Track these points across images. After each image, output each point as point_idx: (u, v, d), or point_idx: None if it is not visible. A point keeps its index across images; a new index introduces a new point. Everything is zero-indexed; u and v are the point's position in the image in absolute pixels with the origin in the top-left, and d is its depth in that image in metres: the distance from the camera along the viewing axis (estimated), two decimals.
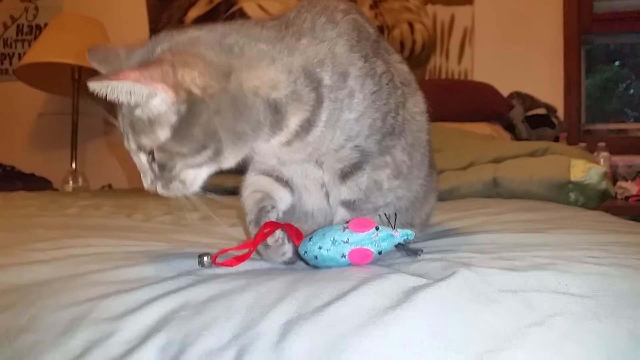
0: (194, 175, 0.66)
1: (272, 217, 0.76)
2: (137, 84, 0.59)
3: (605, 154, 2.53)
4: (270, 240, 0.71)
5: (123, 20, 3.32)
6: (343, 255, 0.64)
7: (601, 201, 1.71)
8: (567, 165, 1.66)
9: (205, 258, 0.67)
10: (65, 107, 3.05)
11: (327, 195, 0.81)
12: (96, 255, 0.72)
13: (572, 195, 1.65)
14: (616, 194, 2.38)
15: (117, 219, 1.17)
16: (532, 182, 1.66)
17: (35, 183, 2.92)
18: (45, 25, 3.27)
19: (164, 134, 0.62)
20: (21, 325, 0.53)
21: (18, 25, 3.46)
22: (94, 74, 2.50)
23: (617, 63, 3.18)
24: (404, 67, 0.84)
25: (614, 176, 2.56)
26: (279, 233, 0.71)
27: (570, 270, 0.56)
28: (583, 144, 2.61)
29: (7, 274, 0.64)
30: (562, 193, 1.64)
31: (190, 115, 0.61)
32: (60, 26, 2.95)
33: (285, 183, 0.81)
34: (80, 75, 2.91)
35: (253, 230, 0.75)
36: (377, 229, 0.65)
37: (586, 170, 1.64)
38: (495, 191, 1.71)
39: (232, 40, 0.66)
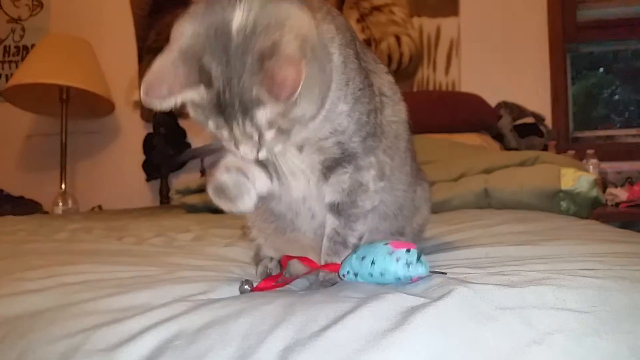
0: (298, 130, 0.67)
1: (234, 171, 0.74)
2: (302, 74, 0.56)
3: (594, 160, 2.55)
4: (229, 180, 0.72)
5: (110, 39, 3.32)
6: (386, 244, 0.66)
7: (592, 209, 1.72)
8: (557, 174, 1.67)
9: (246, 287, 0.69)
10: (54, 128, 3.04)
11: (309, 186, 0.79)
12: (88, 283, 0.71)
13: (564, 204, 1.65)
14: (606, 200, 2.40)
15: (108, 243, 1.16)
16: (523, 192, 1.67)
17: (24, 206, 2.89)
18: (32, 46, 3.26)
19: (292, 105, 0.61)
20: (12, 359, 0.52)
21: (5, 47, 3.45)
22: (82, 94, 2.48)
23: (601, 70, 3.22)
24: (389, 78, 0.86)
25: (603, 183, 2.57)
26: (269, 263, 0.75)
27: (567, 284, 0.56)
28: (572, 152, 2.63)
29: None
30: (553, 202, 1.65)
31: (309, 78, 0.59)
32: (48, 47, 2.95)
33: (265, 169, 0.78)
34: (68, 96, 2.90)
35: (210, 186, 0.73)
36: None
37: (576, 178, 1.65)
38: (486, 202, 1.71)
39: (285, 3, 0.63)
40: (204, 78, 0.60)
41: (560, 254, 0.77)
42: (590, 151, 2.59)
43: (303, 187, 0.78)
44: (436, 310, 0.51)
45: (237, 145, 0.64)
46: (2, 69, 3.43)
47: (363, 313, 0.52)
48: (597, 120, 3.14)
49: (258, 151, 0.65)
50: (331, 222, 0.77)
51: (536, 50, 2.87)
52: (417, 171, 0.92)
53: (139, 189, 3.20)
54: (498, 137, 2.66)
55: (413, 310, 0.51)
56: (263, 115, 0.61)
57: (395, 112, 0.83)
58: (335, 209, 0.76)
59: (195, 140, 2.95)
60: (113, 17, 3.38)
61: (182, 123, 3.01)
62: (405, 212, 0.87)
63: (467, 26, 2.97)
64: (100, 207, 3.01)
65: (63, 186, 2.95)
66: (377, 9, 3.07)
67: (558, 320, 0.49)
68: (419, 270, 0.64)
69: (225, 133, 0.64)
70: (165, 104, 0.60)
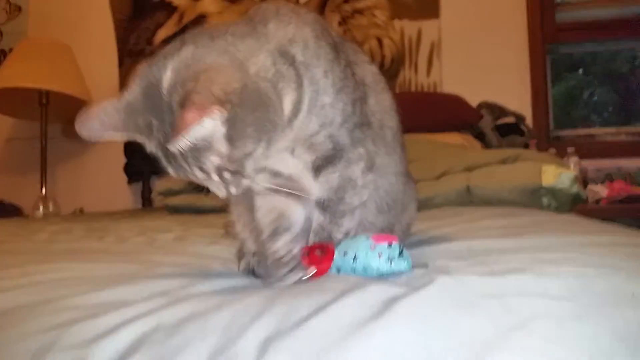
0: (255, 167, 0.69)
1: (287, 237, 0.76)
2: (200, 120, 0.59)
3: (574, 158, 2.58)
4: (242, 265, 0.72)
5: (90, 43, 3.29)
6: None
7: (573, 205, 1.73)
8: (538, 171, 1.68)
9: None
10: (34, 132, 2.99)
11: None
12: (63, 280, 0.69)
13: (545, 200, 1.66)
14: (587, 197, 2.42)
15: (88, 243, 1.14)
16: (505, 189, 1.67)
17: (4, 210, 2.83)
18: (10, 50, 3.21)
19: (225, 147, 0.63)
20: None
21: None
22: (62, 98, 2.46)
23: (580, 71, 3.26)
24: (372, 68, 0.86)
25: (584, 180, 2.60)
26: (251, 258, 0.73)
27: (548, 272, 0.56)
28: (553, 150, 2.65)
29: None
30: (535, 198, 1.65)
31: (238, 122, 0.63)
32: (26, 51, 2.90)
33: (296, 196, 0.79)
34: (48, 100, 2.86)
35: (266, 248, 0.75)
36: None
37: (557, 175, 1.66)
38: (468, 199, 1.72)
39: (222, 43, 0.67)
40: (145, 130, 0.65)
41: (541, 245, 0.78)
42: (570, 149, 2.61)
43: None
44: (417, 298, 0.50)
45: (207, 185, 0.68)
46: None
47: (345, 302, 0.51)
48: (576, 120, 3.18)
49: (227, 190, 0.68)
50: (317, 217, 0.77)
51: (516, 52, 2.90)
52: (408, 171, 0.92)
53: (120, 192, 3.16)
54: (479, 136, 2.67)
55: (395, 299, 0.50)
56: (208, 162, 0.64)
57: (379, 101, 0.83)
58: (322, 205, 0.76)
59: None
60: (93, 20, 3.34)
61: None
62: (397, 206, 0.87)
63: (448, 28, 2.99)
64: (81, 210, 2.97)
65: (44, 190, 2.91)
66: (359, 11, 3.08)
67: (539, 306, 0.49)
68: (401, 265, 0.63)
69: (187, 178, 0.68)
70: (92, 135, 0.66)
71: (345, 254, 0.68)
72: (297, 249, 0.73)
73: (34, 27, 3.37)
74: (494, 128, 2.67)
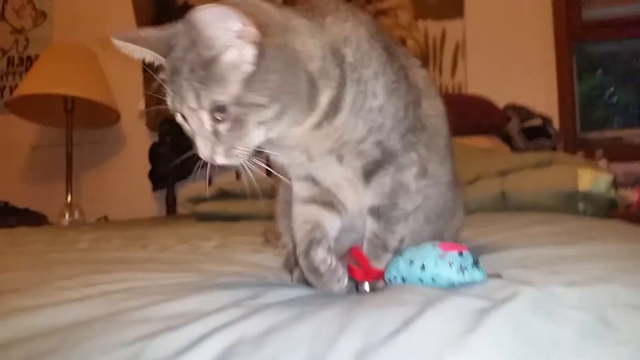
0: (256, 134, 0.65)
1: (323, 247, 0.74)
2: (239, 16, 0.59)
3: (603, 161, 2.54)
4: (322, 267, 0.69)
5: (114, 49, 3.30)
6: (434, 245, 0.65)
7: (609, 210, 1.71)
8: (574, 175, 1.66)
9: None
10: (59, 139, 3.01)
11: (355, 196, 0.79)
12: (130, 290, 0.69)
13: (581, 205, 1.64)
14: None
15: (133, 252, 1.14)
16: (541, 194, 1.66)
17: (29, 218, 2.85)
18: (37, 56, 3.24)
19: (238, 86, 0.61)
20: None
21: (9, 58, 3.43)
22: (87, 104, 2.47)
23: (600, 71, 3.20)
24: (423, 72, 0.85)
25: (614, 184, 2.56)
26: (330, 259, 0.70)
27: (634, 282, 0.55)
28: (580, 152, 2.62)
29: (43, 315, 0.61)
30: (571, 203, 1.64)
31: (265, 64, 0.62)
32: (52, 57, 2.93)
33: (332, 206, 0.78)
34: (73, 106, 2.88)
35: (303, 262, 0.73)
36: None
37: (594, 179, 1.64)
38: (503, 204, 1.70)
39: (280, 9, 0.67)
40: (167, 52, 0.65)
41: (607, 253, 0.76)
42: (599, 152, 2.58)
43: (352, 200, 0.79)
44: (508, 311, 0.49)
45: (195, 139, 0.66)
46: (7, 80, 3.41)
47: (431, 316, 0.50)
48: (600, 122, 3.13)
49: (214, 150, 0.64)
50: (370, 225, 0.76)
51: (542, 51, 2.87)
52: (457, 175, 0.91)
53: (145, 199, 3.17)
54: (506, 139, 2.65)
55: (484, 313, 0.49)
56: (209, 94, 0.61)
57: (432, 107, 0.82)
58: (376, 212, 0.75)
59: None
60: (117, 26, 3.36)
61: None
62: (446, 214, 0.85)
63: (473, 28, 2.96)
64: (106, 218, 2.98)
65: (69, 197, 2.92)
66: (382, 12, 3.07)
67: (637, 317, 0.47)
68: (475, 275, 0.61)
69: (180, 117, 0.66)
70: (120, 38, 0.68)
71: (411, 263, 0.67)
72: (334, 260, 0.72)
73: (58, 34, 3.40)
74: (521, 131, 2.65)
